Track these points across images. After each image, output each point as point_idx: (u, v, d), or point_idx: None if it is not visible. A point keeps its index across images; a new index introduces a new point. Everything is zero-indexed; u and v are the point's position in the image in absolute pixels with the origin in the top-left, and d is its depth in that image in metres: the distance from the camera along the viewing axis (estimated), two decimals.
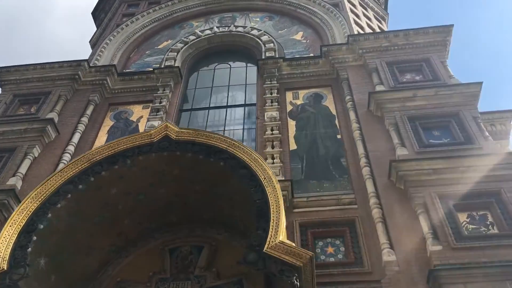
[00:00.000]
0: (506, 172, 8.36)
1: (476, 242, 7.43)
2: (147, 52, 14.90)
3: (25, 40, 51.83)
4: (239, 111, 12.27)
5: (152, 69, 13.22)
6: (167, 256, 7.24)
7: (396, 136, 9.65)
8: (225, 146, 6.51)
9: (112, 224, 7.17)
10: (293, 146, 10.69)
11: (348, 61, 12.31)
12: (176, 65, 13.52)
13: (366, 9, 17.19)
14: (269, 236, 5.13)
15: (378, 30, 16.05)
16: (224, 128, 11.70)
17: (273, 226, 5.27)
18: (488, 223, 7.83)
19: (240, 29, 14.85)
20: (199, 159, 6.58)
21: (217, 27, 15.24)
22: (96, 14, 20.77)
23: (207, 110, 12.42)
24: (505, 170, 8.38)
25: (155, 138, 6.77)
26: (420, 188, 8.38)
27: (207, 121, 12.04)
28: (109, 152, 6.61)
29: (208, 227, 7.51)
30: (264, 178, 5.95)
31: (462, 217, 7.98)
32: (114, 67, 13.17)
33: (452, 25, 12.30)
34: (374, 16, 17.40)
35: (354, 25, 14.61)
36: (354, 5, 16.34)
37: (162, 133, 6.81)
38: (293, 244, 5.18)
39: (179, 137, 6.74)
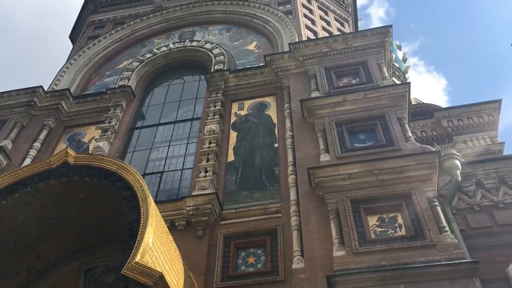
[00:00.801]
0: (418, 173, 8.44)
1: (379, 245, 7.54)
2: (107, 73, 15.33)
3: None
4: (188, 126, 12.54)
5: (105, 90, 13.64)
6: (81, 277, 7.56)
7: (322, 142, 9.79)
8: (115, 169, 6.78)
9: (27, 249, 7.52)
10: (231, 157, 10.93)
11: (290, 68, 12.48)
12: (130, 84, 13.89)
13: (326, 13, 17.28)
14: (130, 257, 5.38)
15: (337, 33, 16.12)
16: (169, 144, 12.00)
17: (136, 246, 5.51)
18: (397, 225, 7.91)
19: (195, 43, 15.14)
20: (95, 182, 6.88)
21: (174, 43, 15.57)
22: (73, 37, 21.37)
23: (157, 127, 12.74)
24: (417, 171, 8.46)
25: (54, 165, 7.10)
26: (335, 193, 8.51)
27: (154, 138, 12.36)
28: (9, 181, 6.98)
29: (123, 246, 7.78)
30: (142, 199, 6.21)
31: (373, 221, 8.08)
32: (68, 90, 13.62)
33: (390, 26, 12.37)
34: (335, 18, 17.47)
35: (306, 31, 14.77)
36: (310, 11, 16.47)
37: (62, 159, 7.13)
38: (148, 265, 5.40)
39: (77, 162, 7.06)
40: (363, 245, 7.55)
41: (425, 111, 25.57)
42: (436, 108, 25.87)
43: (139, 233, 5.61)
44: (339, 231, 7.86)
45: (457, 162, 11.36)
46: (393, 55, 33.55)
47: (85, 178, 6.96)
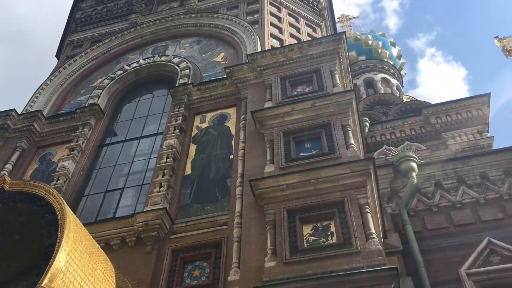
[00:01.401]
0: (352, 181, 8.57)
1: (309, 254, 7.70)
2: (82, 91, 15.74)
3: None
4: (152, 141, 12.83)
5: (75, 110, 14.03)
6: None
7: (269, 153, 9.98)
8: (43, 193, 7.10)
9: None
10: (188, 171, 11.19)
11: (249, 79, 12.68)
12: (100, 101, 14.26)
13: (297, 19, 17.41)
14: (39, 281, 5.68)
15: (306, 38, 16.25)
16: (133, 160, 12.32)
17: (46, 271, 5.80)
18: (329, 233, 8.06)
19: (164, 58, 15.45)
20: (28, 207, 7.21)
21: (145, 58, 15.88)
22: (59, 56, 21.90)
23: (123, 143, 13.07)
24: (351, 178, 8.58)
25: None
26: (274, 204, 8.70)
27: (119, 154, 12.69)
28: None
29: None
30: (60, 223, 6.49)
31: (307, 229, 8.24)
32: (40, 112, 14.06)
33: (343, 33, 12.50)
34: (306, 24, 17.58)
35: (270, 40, 14.96)
36: (279, 19, 16.64)
37: None
38: (51, 285, 5.69)
39: (11, 189, 7.40)
40: (294, 255, 7.73)
41: (415, 109, 25.53)
42: (424, 105, 25.83)
43: (53, 256, 5.89)
44: (274, 242, 8.05)
45: (413, 164, 11.49)
46: (387, 53, 33.62)
47: (18, 204, 7.29)
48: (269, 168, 9.51)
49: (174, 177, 10.86)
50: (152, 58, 15.63)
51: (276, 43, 14.94)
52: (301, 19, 17.60)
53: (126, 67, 15.54)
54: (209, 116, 12.72)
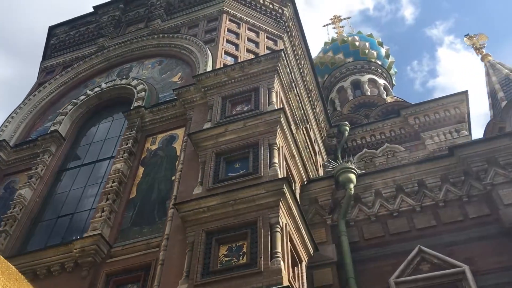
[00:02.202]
0: (267, 200, 8.88)
1: (219, 275, 8.04)
2: (49, 117, 16.34)
3: None
4: (106, 165, 13.31)
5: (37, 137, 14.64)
6: None
7: (200, 174, 10.36)
8: None
9: None
10: (133, 194, 11.64)
11: (196, 100, 13.06)
12: (62, 127, 14.82)
13: (257, 33, 17.70)
14: None
15: (265, 52, 16.53)
16: (86, 184, 12.83)
17: None
18: (241, 253, 8.38)
19: (124, 81, 15.94)
20: None
21: (107, 82, 16.42)
22: None
23: (79, 168, 13.61)
24: (265, 198, 8.90)
25: None
26: (195, 226, 9.06)
27: (75, 179, 13.22)
28: None
29: None
30: None
31: (223, 250, 8.58)
32: (5, 141, 14.69)
33: (281, 50, 12.80)
34: (267, 37, 17.86)
35: (224, 58, 15.27)
36: (237, 35, 16.94)
37: None
38: None
39: None
40: (205, 277, 8.08)
41: (396, 110, 25.58)
42: (403, 106, 25.87)
43: None
44: (189, 264, 8.42)
45: (351, 176, 11.75)
46: (375, 53, 33.58)
47: None
48: (197, 190, 9.89)
49: (118, 201, 11.31)
50: (113, 82, 16.15)
51: (230, 61, 15.26)
52: (261, 33, 17.89)
53: (89, 92, 16.10)
54: (160, 137, 13.16)
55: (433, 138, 22.45)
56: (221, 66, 14.54)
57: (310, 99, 21.59)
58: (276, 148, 10.21)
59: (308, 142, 14.91)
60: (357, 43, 33.85)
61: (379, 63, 33.90)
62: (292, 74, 18.07)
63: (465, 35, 21.20)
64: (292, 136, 11.34)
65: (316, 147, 20.91)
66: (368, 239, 11.13)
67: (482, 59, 21.74)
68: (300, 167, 11.73)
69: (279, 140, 10.49)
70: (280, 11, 19.34)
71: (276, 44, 17.80)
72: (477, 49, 20.71)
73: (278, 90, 12.39)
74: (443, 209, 10.96)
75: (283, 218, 8.74)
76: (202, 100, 12.95)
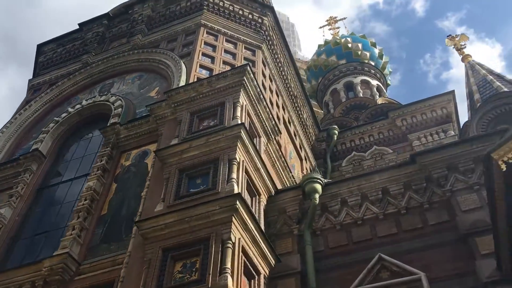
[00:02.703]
0: (220, 216, 9.16)
1: None
2: (34, 135, 16.80)
3: None
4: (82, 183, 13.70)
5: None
6: None
7: (164, 191, 10.67)
8: None
9: None
10: (105, 211, 12.00)
11: (167, 116, 13.37)
12: (43, 145, 15.26)
13: (235, 45, 17.95)
14: None
15: (242, 63, 16.81)
16: (62, 203, 13.22)
17: None
18: (194, 269, 8.67)
19: (104, 97, 16.33)
20: None
21: (87, 99, 16.82)
22: None
23: (58, 185, 14.02)
24: (219, 214, 9.18)
25: None
26: (153, 244, 9.37)
27: (53, 197, 13.63)
28: None
29: None
30: None
31: (178, 267, 8.89)
32: None
33: (247, 64, 13.07)
34: (246, 47, 18.10)
35: (198, 72, 15.55)
36: (214, 47, 17.22)
37: None
38: None
39: None
40: None
41: (385, 112, 25.66)
42: (391, 107, 25.95)
43: None
44: (145, 282, 8.73)
45: (316, 186, 11.99)
46: (367, 54, 33.62)
47: None
48: (159, 207, 10.21)
49: (90, 218, 11.68)
50: (93, 98, 16.57)
51: (205, 74, 15.53)
52: (239, 43, 18.16)
53: (70, 109, 16.52)
54: (134, 153, 13.50)
55: (420, 139, 22.52)
56: (195, 80, 14.84)
57: (296, 105, 21.83)
58: (235, 163, 10.48)
59: (281, 152, 15.09)
60: (349, 45, 33.96)
61: (372, 63, 33.97)
62: (271, 83, 18.41)
63: (447, 36, 21.22)
64: (256, 150, 11.59)
65: (303, 153, 21.17)
66: (332, 248, 11.34)
67: (463, 60, 21.75)
68: (267, 179, 11.96)
69: (239, 155, 10.75)
70: (259, 20, 19.59)
71: (254, 54, 18.06)
72: (459, 50, 20.74)
73: (245, 104, 12.66)
74: (404, 217, 11.13)
75: (237, 233, 9.00)
76: (173, 115, 13.26)
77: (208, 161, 10.77)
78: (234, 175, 10.17)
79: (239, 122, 11.60)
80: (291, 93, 21.48)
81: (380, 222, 11.30)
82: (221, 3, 19.31)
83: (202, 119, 12.50)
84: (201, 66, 16.04)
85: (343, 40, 34.65)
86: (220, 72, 15.17)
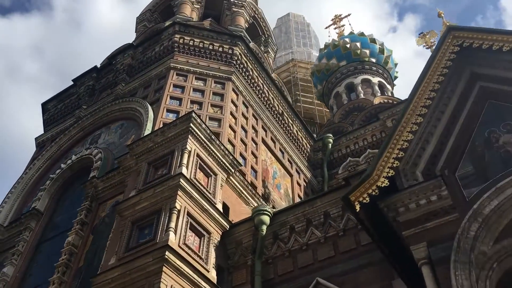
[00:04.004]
0: (154, 267, 10.31)
1: None
2: (37, 192, 18.68)
3: None
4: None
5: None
6: None
7: (118, 244, 11.95)
8: None
9: None
10: (82, 262, 13.47)
11: (132, 167, 14.68)
12: (41, 202, 17.04)
13: (205, 81, 18.64)
14: None
15: (209, 100, 17.86)
16: (53, 257, 14.81)
17: None
18: None
19: (89, 151, 17.88)
20: None
21: (77, 153, 18.47)
22: None
23: (50, 240, 15.69)
24: (153, 265, 10.32)
25: None
26: None
27: (47, 252, 15.29)
28: None
29: None
30: None
31: None
32: None
33: (191, 112, 14.11)
34: (215, 81, 18.62)
35: (166, 116, 16.78)
36: (182, 88, 18.21)
37: None
38: None
39: None
40: None
41: (377, 114, 25.80)
42: (383, 108, 26.03)
43: None
44: None
45: (264, 218, 12.95)
46: (367, 51, 33.66)
47: None
48: (112, 260, 11.49)
49: (69, 272, 13.18)
50: (80, 153, 18.20)
51: (172, 118, 16.61)
52: (209, 79, 19.19)
53: (63, 165, 18.26)
54: (109, 204, 14.92)
55: None
56: (161, 126, 16.05)
57: (282, 122, 22.61)
58: (175, 212, 11.56)
59: (247, 182, 15.97)
60: (348, 45, 34.12)
61: (374, 60, 33.93)
62: (247, 109, 19.24)
63: (419, 34, 21.13)
64: (201, 193, 12.59)
65: (293, 168, 21.90)
66: (281, 275, 12.18)
67: None
68: (218, 217, 12.89)
69: (180, 203, 11.81)
70: (230, 51, 20.56)
71: (223, 88, 19.08)
72: (430, 47, 20.60)
73: (194, 148, 13.69)
74: (341, 238, 11.80)
75: (169, 281, 10.09)
76: (136, 166, 14.53)
77: (154, 212, 11.94)
78: (173, 224, 11.25)
79: (184, 169, 12.68)
80: (276, 111, 22.29)
81: (321, 246, 12.02)
82: (191, 42, 20.48)
83: (157, 169, 13.67)
84: (168, 111, 17.26)
85: (341, 41, 34.85)
86: (185, 113, 16.36)
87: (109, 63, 22.40)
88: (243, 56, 20.97)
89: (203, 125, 14.22)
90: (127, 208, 12.59)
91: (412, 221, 7.95)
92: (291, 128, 23.20)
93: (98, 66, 22.92)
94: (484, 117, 8.70)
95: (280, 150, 21.41)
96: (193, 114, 13.95)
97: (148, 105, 17.43)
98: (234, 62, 20.45)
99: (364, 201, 7.72)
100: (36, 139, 22.52)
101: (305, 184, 22.25)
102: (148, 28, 26.14)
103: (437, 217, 7.74)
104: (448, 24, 11.32)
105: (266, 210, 12.89)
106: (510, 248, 6.96)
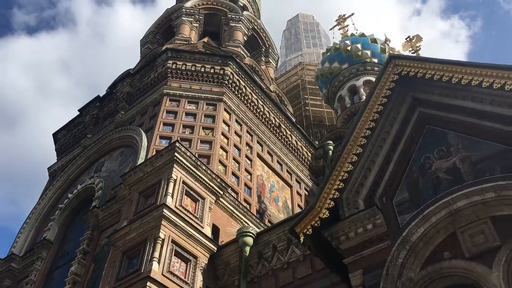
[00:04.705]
0: None
1: None
2: (49, 223, 19.89)
3: None
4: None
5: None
6: None
7: (110, 274, 12.86)
8: None
9: None
10: None
11: (126, 196, 15.60)
12: (51, 231, 18.20)
13: (197, 104, 19.49)
14: None
15: (203, 121, 18.67)
16: (59, 285, 15.92)
17: None
18: None
19: (91, 180, 18.94)
20: None
21: (82, 182, 19.58)
22: None
23: (58, 269, 16.79)
24: None
25: None
26: None
27: (56, 281, 16.39)
28: None
29: None
30: None
31: None
32: (13, 253, 18.39)
33: (176, 141, 14.91)
34: (207, 103, 19.46)
35: (159, 143, 17.64)
36: (175, 114, 18.91)
37: None
38: None
39: None
40: None
41: None
42: None
43: None
44: None
45: (247, 239, 13.65)
46: (368, 52, 33.75)
47: None
48: None
49: None
50: (84, 183, 19.30)
51: (164, 144, 17.43)
52: (201, 101, 19.98)
53: (69, 195, 19.41)
54: (108, 231, 15.90)
55: None
56: (154, 153, 16.93)
57: (280, 134, 23.22)
58: (159, 241, 12.39)
59: (238, 201, 16.66)
60: (348, 48, 34.32)
61: (375, 61, 34.01)
62: (240, 127, 19.90)
63: (405, 38, 21.31)
64: (185, 220, 13.37)
65: (293, 179, 22.49)
66: None
67: None
68: (205, 240, 13.65)
69: (163, 232, 12.63)
70: (221, 72, 21.33)
71: (215, 109, 19.85)
72: (415, 52, 20.76)
73: (180, 176, 14.49)
74: (316, 257, 12.33)
75: None
76: (129, 195, 15.44)
77: (141, 242, 12.80)
78: (157, 254, 12.08)
79: (169, 199, 13.50)
80: (272, 124, 22.90)
81: (300, 264, 12.61)
82: (183, 67, 21.33)
83: (147, 198, 14.53)
84: (161, 137, 18.13)
85: (342, 44, 35.08)
86: (178, 138, 17.23)
87: (110, 92, 23.48)
88: (234, 74, 21.67)
89: (188, 153, 14.99)
90: (118, 239, 13.50)
91: (352, 249, 8.48)
92: (290, 139, 23.77)
93: (101, 95, 24.04)
94: (421, 143, 9.11)
95: (278, 162, 22.01)
96: (177, 144, 14.76)
97: (143, 132, 18.34)
98: (226, 81, 21.17)
99: (308, 232, 8.30)
100: (48, 169, 23.81)
101: (306, 193, 22.77)
102: (151, 50, 27.07)
103: (372, 244, 8.24)
104: (390, 52, 11.72)
105: (249, 232, 13.57)
106: (434, 274, 7.40)
